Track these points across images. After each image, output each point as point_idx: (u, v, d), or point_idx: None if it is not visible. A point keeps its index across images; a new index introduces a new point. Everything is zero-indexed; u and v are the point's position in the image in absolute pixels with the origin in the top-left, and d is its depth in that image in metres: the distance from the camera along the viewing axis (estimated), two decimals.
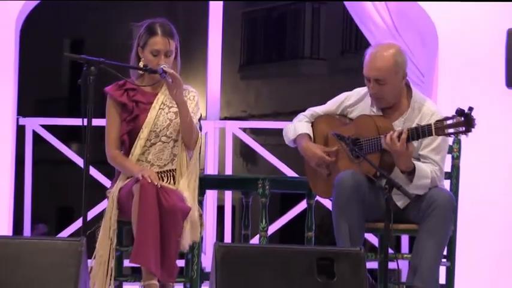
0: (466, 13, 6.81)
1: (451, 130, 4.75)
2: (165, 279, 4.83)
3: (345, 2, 7.53)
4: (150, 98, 5.08)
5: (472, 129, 4.70)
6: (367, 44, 7.07)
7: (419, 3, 6.87)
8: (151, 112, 5.03)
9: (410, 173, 4.82)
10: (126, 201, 4.88)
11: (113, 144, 5.05)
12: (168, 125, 5.03)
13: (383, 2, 7.35)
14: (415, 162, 4.85)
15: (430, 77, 7.03)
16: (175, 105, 5.02)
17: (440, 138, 4.87)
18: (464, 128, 4.71)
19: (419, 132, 4.78)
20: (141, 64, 5.03)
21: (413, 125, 4.86)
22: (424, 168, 4.85)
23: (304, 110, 5.21)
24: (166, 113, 5.05)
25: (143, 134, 5.01)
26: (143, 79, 5.11)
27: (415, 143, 4.85)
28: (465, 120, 4.69)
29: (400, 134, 4.74)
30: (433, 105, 5.11)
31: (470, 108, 4.68)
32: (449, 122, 4.74)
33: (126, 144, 5.05)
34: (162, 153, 5.03)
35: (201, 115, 5.18)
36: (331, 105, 5.14)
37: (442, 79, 6.87)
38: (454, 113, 4.72)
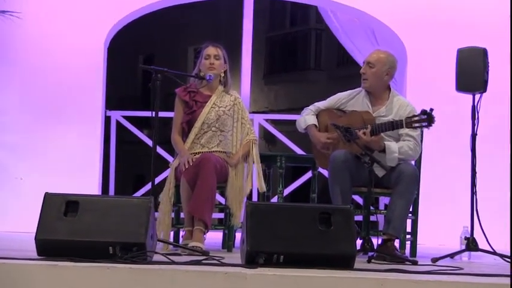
0: (427, 34, 6.76)
1: (416, 124, 4.69)
2: (194, 213, 4.72)
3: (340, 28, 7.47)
4: (206, 98, 5.04)
5: (433, 125, 4.64)
6: (353, 60, 7.01)
7: (391, 27, 6.84)
8: (205, 109, 4.99)
9: (383, 150, 4.78)
10: (179, 173, 4.87)
11: (176, 130, 5.02)
12: (217, 119, 4.99)
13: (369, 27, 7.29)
14: (386, 142, 4.79)
15: (400, 82, 6.98)
16: (224, 106, 5.01)
17: None
18: (426, 123, 4.65)
19: (393, 125, 4.72)
20: (201, 74, 5.00)
21: (393, 111, 4.83)
22: (392, 146, 4.79)
23: (309, 105, 5.15)
24: (217, 111, 5.01)
25: (197, 124, 4.97)
26: (202, 84, 5.07)
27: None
28: (427, 118, 4.63)
29: (365, 131, 4.71)
30: (406, 99, 5.07)
31: (431, 109, 4.62)
32: (416, 118, 4.68)
33: (185, 130, 5.03)
34: (211, 139, 4.99)
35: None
36: (330, 101, 5.08)
37: (409, 83, 6.82)
38: (419, 112, 4.66)
